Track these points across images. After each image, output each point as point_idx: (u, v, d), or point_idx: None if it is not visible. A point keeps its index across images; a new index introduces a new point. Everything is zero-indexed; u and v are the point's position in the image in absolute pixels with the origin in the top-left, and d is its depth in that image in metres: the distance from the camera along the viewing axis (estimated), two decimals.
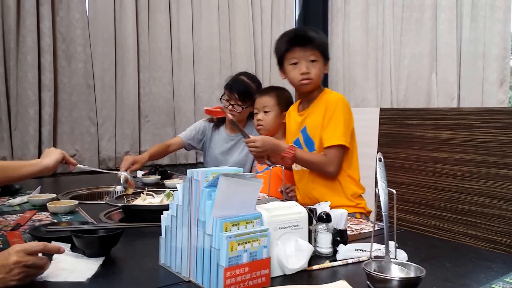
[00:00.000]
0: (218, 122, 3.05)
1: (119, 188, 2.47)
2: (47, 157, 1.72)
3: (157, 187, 2.50)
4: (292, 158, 1.95)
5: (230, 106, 2.82)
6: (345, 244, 1.33)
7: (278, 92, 2.55)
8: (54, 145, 3.43)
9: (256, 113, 2.52)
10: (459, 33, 3.87)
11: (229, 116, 1.98)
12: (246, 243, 1.04)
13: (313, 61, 1.97)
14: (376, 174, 1.13)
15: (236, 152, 2.96)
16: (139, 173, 2.92)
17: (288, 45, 1.99)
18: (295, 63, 1.98)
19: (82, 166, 2.05)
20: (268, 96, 2.51)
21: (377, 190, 1.15)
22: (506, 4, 3.62)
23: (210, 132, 3.06)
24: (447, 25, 3.92)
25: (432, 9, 4.02)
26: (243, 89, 2.78)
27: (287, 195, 2.03)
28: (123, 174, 2.14)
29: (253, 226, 1.09)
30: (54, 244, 1.15)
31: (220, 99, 2.95)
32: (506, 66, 3.66)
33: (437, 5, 3.98)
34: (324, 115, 1.97)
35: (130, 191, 2.01)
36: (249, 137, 1.98)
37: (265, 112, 2.47)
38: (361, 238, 1.52)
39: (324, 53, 2.00)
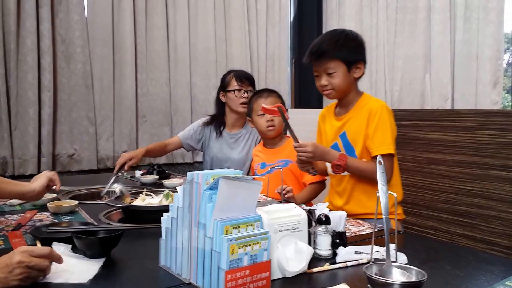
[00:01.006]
0: (218, 123, 3.00)
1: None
2: (34, 181, 1.76)
3: (155, 187, 2.51)
4: (344, 166, 1.90)
5: (246, 94, 2.82)
6: (344, 246, 1.33)
7: (279, 94, 2.56)
8: (53, 145, 3.47)
9: (263, 114, 2.44)
10: (452, 35, 3.88)
11: (287, 116, 1.96)
12: (246, 246, 1.04)
13: (331, 73, 1.95)
14: None
15: (236, 150, 2.93)
16: (138, 173, 2.92)
17: (308, 59, 2.01)
18: (318, 75, 2.00)
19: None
20: (274, 97, 2.50)
21: (377, 193, 1.15)
22: (499, 6, 3.63)
23: (209, 132, 3.02)
24: (440, 26, 3.93)
25: (425, 11, 4.03)
26: (250, 76, 2.90)
27: (284, 196, 2.03)
28: (118, 187, 2.14)
29: (254, 228, 1.09)
30: (57, 253, 1.16)
31: (225, 90, 2.91)
32: (500, 67, 3.66)
33: (431, 6, 3.99)
34: (367, 123, 1.94)
35: (127, 200, 2.00)
36: (299, 141, 1.93)
37: None
38: (359, 240, 1.53)
39: (346, 60, 1.96)
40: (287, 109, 3.59)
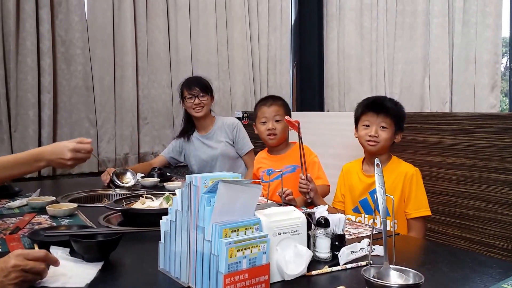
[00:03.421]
0: (187, 132, 3.21)
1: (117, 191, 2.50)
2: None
3: (156, 189, 2.51)
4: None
5: (197, 99, 3.02)
6: None
7: (284, 102, 2.57)
8: None
9: (264, 122, 2.49)
10: (451, 39, 3.89)
11: (300, 133, 2.05)
12: (245, 249, 1.04)
13: (384, 127, 2.07)
14: None
15: (214, 146, 3.11)
16: (139, 175, 2.92)
17: (364, 108, 2.14)
18: (367, 125, 2.10)
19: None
20: (278, 105, 2.50)
21: (375, 196, 1.16)
22: (496, 10, 3.64)
23: (186, 142, 3.22)
24: (439, 30, 3.94)
25: (424, 15, 4.05)
26: (200, 81, 3.08)
27: (284, 198, 2.04)
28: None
29: (253, 232, 1.09)
30: (54, 256, 1.15)
31: (182, 99, 3.10)
32: (497, 71, 3.67)
33: (430, 11, 4.00)
34: (403, 186, 2.05)
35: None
36: (307, 172, 2.10)
37: (277, 121, 2.46)
38: (359, 242, 1.53)
39: (396, 124, 2.10)
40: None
